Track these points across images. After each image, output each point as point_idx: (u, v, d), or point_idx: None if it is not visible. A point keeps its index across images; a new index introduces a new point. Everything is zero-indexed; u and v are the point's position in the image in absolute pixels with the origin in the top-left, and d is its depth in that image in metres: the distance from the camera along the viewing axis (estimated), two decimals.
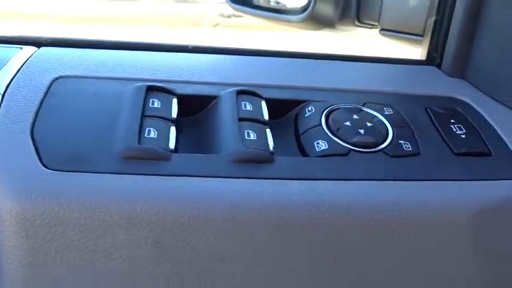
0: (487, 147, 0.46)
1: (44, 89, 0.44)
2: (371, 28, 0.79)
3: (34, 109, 0.42)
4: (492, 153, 0.46)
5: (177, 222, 0.38)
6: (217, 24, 2.25)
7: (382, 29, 0.73)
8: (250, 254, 0.39)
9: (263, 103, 0.46)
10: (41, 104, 0.42)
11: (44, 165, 0.38)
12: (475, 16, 0.52)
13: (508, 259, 0.43)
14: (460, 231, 0.42)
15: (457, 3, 0.53)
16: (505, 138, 0.47)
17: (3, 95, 0.43)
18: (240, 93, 0.46)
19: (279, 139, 0.45)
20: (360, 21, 0.78)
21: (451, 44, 0.54)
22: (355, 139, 0.44)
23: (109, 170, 0.38)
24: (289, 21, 0.85)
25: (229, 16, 2.12)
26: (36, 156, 0.38)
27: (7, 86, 0.44)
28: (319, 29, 0.82)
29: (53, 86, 0.44)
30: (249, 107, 0.45)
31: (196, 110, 0.47)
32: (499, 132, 0.48)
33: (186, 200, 0.38)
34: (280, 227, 0.39)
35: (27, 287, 0.38)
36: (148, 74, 0.47)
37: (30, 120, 0.41)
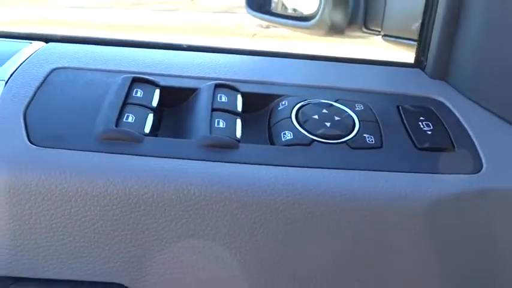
0: (452, 143, 0.48)
1: (42, 78, 0.49)
2: (378, 34, 0.81)
3: (30, 95, 0.47)
4: (456, 149, 0.47)
5: (142, 198, 0.42)
6: (255, 34, 2.31)
7: (384, 35, 0.75)
8: (211, 231, 0.43)
9: (239, 96, 0.50)
10: (36, 90, 0.48)
11: (30, 142, 0.43)
12: (454, 19, 0.54)
13: (458, 250, 0.45)
14: (413, 222, 0.44)
15: (439, 7, 0.55)
16: (473, 137, 0.49)
17: (6, 82, 0.48)
18: (218, 86, 0.50)
19: (252, 130, 0.49)
20: (366, 28, 0.81)
21: (433, 46, 0.56)
22: (320, 131, 0.47)
23: (86, 148, 0.43)
24: (303, 28, 0.89)
25: (267, 27, 2.17)
26: (25, 135, 0.43)
27: (11, 74, 0.49)
28: (330, 35, 0.85)
29: (50, 75, 0.50)
30: (224, 99, 0.49)
31: (179, 101, 0.51)
32: (469, 131, 0.49)
33: (152, 178, 0.42)
34: (240, 208, 0.42)
35: (12, 254, 0.43)
36: (138, 67, 0.52)
37: (25, 104, 0.46)
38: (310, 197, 0.42)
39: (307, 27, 0.86)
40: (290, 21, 0.90)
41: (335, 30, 0.85)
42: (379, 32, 0.80)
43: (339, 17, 0.84)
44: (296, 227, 0.43)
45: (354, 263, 0.44)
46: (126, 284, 0.44)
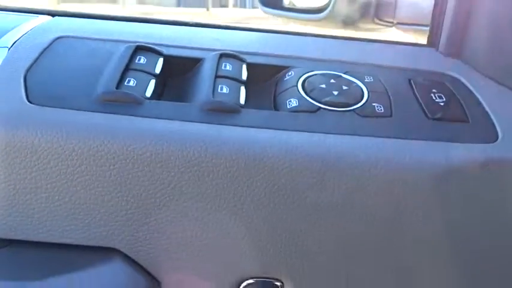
0: (466, 115, 0.46)
1: (45, 46, 0.48)
2: (391, 26, 0.80)
3: (31, 60, 0.46)
4: (470, 121, 0.45)
5: (140, 158, 0.40)
6: None
7: (398, 23, 0.74)
8: (211, 194, 0.41)
9: (244, 66, 0.49)
10: (38, 56, 0.47)
11: (29, 101, 0.42)
12: None
13: (472, 220, 0.42)
14: (425, 191, 0.41)
15: None
16: (487, 109, 0.47)
17: (9, 49, 0.48)
18: (223, 56, 0.49)
19: (257, 99, 0.47)
20: (379, 19, 0.79)
21: (447, 24, 0.55)
22: (326, 99, 0.45)
23: (85, 109, 0.42)
24: (315, 20, 0.88)
25: None
26: (24, 94, 0.42)
27: (14, 42, 0.49)
28: (342, 27, 0.84)
29: (53, 43, 0.49)
30: (228, 67, 0.48)
31: (183, 71, 0.50)
32: (484, 103, 0.47)
33: (151, 138, 0.40)
34: (242, 171, 0.40)
35: (5, 215, 0.42)
36: (142, 39, 0.51)
37: (26, 67, 0.45)
38: (316, 161, 0.41)
39: (319, 20, 0.85)
40: (302, 15, 0.89)
41: (347, 22, 0.84)
42: (392, 23, 0.79)
43: (350, 8, 0.83)
44: (301, 191, 0.41)
45: (361, 231, 0.42)
46: (121, 250, 0.42)
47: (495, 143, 0.43)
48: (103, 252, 0.42)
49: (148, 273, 0.42)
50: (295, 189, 0.41)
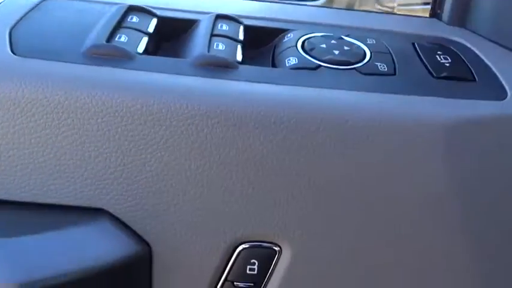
0: (473, 74, 0.44)
1: (33, 5, 0.46)
2: (391, 11, 0.78)
3: (18, 17, 0.44)
4: (477, 80, 0.43)
5: (130, 111, 0.38)
6: None
7: (399, 5, 0.73)
8: (204, 150, 0.38)
9: (241, 27, 0.47)
10: (25, 14, 0.45)
11: (14, 53, 0.40)
12: None
13: (481, 178, 0.40)
14: (431, 147, 0.39)
15: None
16: (494, 69, 0.45)
17: None
18: (219, 17, 0.47)
19: (254, 60, 0.45)
20: (379, 4, 0.78)
21: None
22: (326, 57, 0.43)
23: (73, 61, 0.40)
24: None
25: None
26: (8, 47, 0.40)
27: (1, 2, 0.47)
28: None
29: (41, 3, 0.47)
30: (225, 27, 0.46)
31: (177, 33, 0.48)
32: (490, 64, 0.45)
33: (142, 91, 0.38)
34: (237, 126, 0.38)
35: None
36: (137, 2, 0.49)
37: (12, 23, 0.43)
38: (317, 116, 0.38)
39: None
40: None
41: (347, 7, 0.82)
42: (393, 8, 0.77)
43: None
44: (300, 147, 0.38)
45: (362, 187, 0.39)
46: (109, 210, 0.39)
47: (504, 100, 0.41)
48: (90, 213, 0.39)
49: (138, 236, 0.40)
50: (295, 146, 0.38)
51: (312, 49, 0.44)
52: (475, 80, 0.43)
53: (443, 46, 0.47)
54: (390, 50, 0.46)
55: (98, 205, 0.39)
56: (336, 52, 0.44)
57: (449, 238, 0.40)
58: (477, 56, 0.46)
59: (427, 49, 0.46)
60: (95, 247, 0.38)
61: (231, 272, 0.41)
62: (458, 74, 0.43)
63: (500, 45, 0.49)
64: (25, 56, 0.39)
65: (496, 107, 0.40)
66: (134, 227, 0.40)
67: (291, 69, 0.42)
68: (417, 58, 0.45)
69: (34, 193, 0.39)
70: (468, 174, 0.39)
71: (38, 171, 0.39)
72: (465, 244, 0.40)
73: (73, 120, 0.38)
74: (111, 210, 0.39)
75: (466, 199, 0.40)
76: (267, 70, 0.42)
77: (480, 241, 0.40)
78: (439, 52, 0.46)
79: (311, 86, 0.40)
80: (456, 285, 0.42)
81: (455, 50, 0.47)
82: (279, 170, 0.39)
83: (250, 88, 0.39)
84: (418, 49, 0.46)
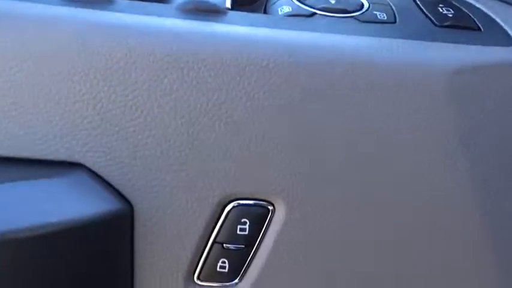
0: (477, 24, 0.41)
1: None
2: None
3: None
4: (482, 29, 0.41)
5: (109, 54, 0.35)
6: None
7: None
8: (191, 97, 0.35)
9: None
10: None
11: None
12: None
13: (490, 125, 0.37)
14: (437, 92, 0.36)
15: None
16: (499, 21, 0.42)
17: None
18: None
19: (246, 10, 0.42)
20: None
21: None
22: (322, 5, 0.41)
23: (49, 2, 0.36)
24: None
25: None
26: None
27: None
28: None
29: None
30: None
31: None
32: (495, 17, 0.43)
33: (122, 32, 0.35)
34: (227, 69, 0.35)
35: None
36: None
37: None
38: (313, 60, 0.35)
39: None
40: None
41: None
42: None
43: None
44: (295, 93, 0.35)
45: (361, 142, 0.36)
46: (88, 165, 0.36)
47: (510, 47, 0.39)
48: (67, 168, 0.36)
49: (119, 193, 0.36)
50: (290, 92, 0.35)
51: None
52: (479, 29, 0.41)
53: (445, 0, 0.45)
54: (389, 1, 0.43)
55: (75, 159, 0.36)
56: (332, 1, 0.41)
57: (452, 183, 0.37)
58: (479, 9, 0.44)
59: (428, 2, 0.44)
60: (68, 201, 0.35)
61: (220, 233, 0.37)
62: (462, 23, 0.41)
63: (504, 2, 0.46)
64: None
65: (505, 52, 0.38)
66: (114, 183, 0.36)
67: (284, 16, 0.39)
68: (418, 10, 0.43)
69: (4, 146, 0.35)
70: (472, 122, 0.37)
71: (8, 122, 0.35)
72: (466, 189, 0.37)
73: (46, 62, 0.35)
74: (89, 165, 0.36)
75: (471, 143, 0.37)
76: (259, 16, 0.39)
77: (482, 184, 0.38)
78: (440, 5, 0.43)
79: (305, 30, 0.37)
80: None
81: (457, 4, 0.44)
82: (272, 119, 0.35)
83: (242, 31, 0.36)
84: (418, 2, 0.44)
